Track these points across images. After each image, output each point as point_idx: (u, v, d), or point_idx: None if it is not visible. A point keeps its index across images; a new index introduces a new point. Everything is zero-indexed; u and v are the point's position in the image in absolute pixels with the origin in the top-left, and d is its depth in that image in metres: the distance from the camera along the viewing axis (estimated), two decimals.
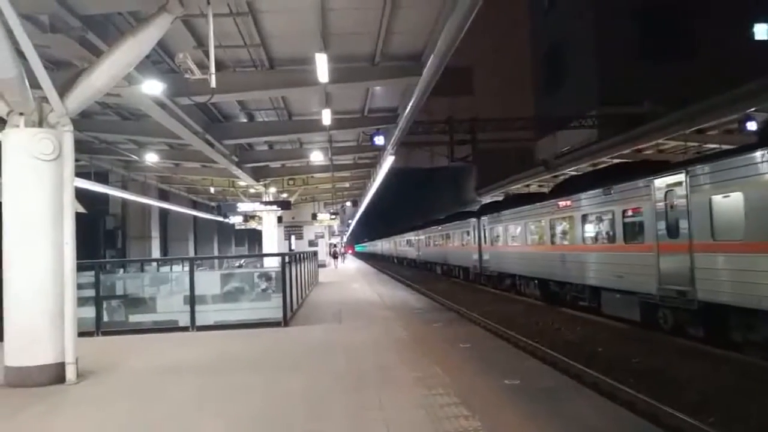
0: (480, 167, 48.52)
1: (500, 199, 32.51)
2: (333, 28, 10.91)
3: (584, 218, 14.77)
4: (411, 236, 47.62)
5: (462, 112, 38.49)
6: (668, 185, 11.12)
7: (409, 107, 15.14)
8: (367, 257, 79.36)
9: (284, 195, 29.98)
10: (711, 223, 9.72)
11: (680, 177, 10.73)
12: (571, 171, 27.79)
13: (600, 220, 14.38)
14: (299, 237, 37.66)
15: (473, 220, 26.06)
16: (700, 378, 8.58)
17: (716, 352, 9.93)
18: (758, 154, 8.86)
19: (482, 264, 24.36)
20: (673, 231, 10.89)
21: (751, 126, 16.83)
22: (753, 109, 16.15)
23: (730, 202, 9.44)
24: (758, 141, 9.60)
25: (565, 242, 16.08)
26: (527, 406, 5.81)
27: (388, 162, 21.68)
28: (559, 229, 16.65)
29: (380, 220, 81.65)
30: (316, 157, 23.06)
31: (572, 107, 38.32)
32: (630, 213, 12.66)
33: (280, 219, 30.80)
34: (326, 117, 15.45)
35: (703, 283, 9.88)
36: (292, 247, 35.22)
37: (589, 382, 8.49)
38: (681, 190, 10.67)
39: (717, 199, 9.71)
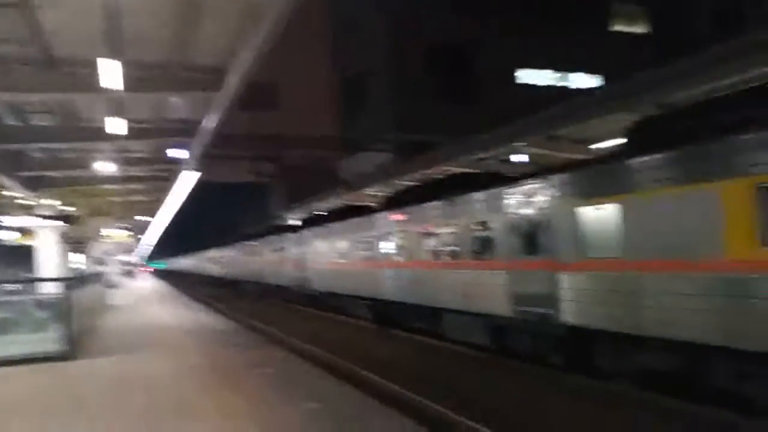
0: (285, 183, 48.60)
1: (323, 212, 31.63)
2: (125, 33, 10.07)
3: (423, 232, 13.49)
4: (218, 253, 43.81)
5: (268, 128, 38.36)
6: (524, 195, 10.06)
7: (211, 120, 14.64)
8: (167, 276, 73.91)
9: (67, 208, 26.74)
10: (579, 238, 8.76)
11: (540, 185, 9.73)
12: (370, 191, 29.06)
13: (441, 234, 13.07)
14: (85, 255, 33.87)
15: (293, 234, 24.25)
16: (494, 386, 9.31)
17: (515, 365, 10.63)
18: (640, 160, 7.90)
19: (304, 283, 22.44)
20: (530, 247, 9.80)
21: (517, 157, 18.88)
22: (520, 144, 18.36)
23: (604, 215, 8.43)
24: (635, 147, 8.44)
25: (401, 259, 14.67)
26: (328, 430, 5.86)
27: (188, 176, 20.65)
28: (393, 244, 15.17)
29: (182, 236, 76.99)
30: (107, 168, 21.01)
31: (372, 131, 40.49)
32: (477, 227, 11.51)
33: (62, 235, 27.35)
34: (118, 126, 14.20)
35: (569, 305, 8.92)
36: (77, 267, 31.53)
37: (390, 397, 8.74)
38: (541, 201, 9.64)
39: (587, 211, 8.72)
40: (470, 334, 11.74)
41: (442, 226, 12.92)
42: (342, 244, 19.06)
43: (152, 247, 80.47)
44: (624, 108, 14.43)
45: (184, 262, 71.29)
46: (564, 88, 47.83)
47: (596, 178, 8.93)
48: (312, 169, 50.19)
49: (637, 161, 8.00)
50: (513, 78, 46.95)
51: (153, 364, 9.92)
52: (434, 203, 13.04)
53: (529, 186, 10.04)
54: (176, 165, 21.39)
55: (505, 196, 10.59)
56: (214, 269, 44.82)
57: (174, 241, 77.03)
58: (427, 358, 12.18)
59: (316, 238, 21.56)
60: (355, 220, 18.02)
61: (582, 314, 8.75)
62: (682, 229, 7.27)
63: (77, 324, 11.83)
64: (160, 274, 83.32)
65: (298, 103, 58.08)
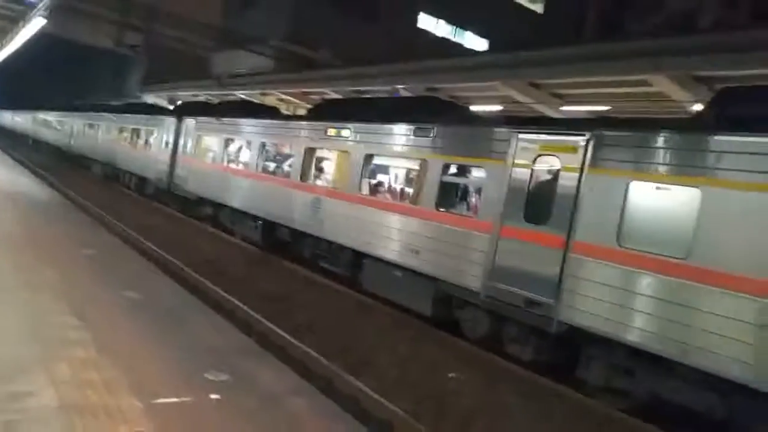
0: (149, 62, 44.62)
1: (210, 100, 26.20)
2: None
3: (369, 158, 10.90)
4: (62, 118, 37.57)
5: None
6: (545, 148, 7.76)
7: None
8: None
9: None
10: (621, 221, 6.72)
11: (576, 140, 7.35)
12: (241, 93, 27.89)
13: (395, 167, 11.23)
14: None
15: (170, 119, 20.04)
16: (312, 305, 9.78)
17: (336, 287, 11.25)
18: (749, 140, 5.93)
19: (173, 179, 18.82)
20: (536, 213, 7.63)
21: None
22: (400, 86, 18.59)
23: (670, 200, 6.54)
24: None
25: (326, 184, 12.32)
26: (144, 321, 5.81)
27: (35, 23, 18.20)
28: (318, 163, 12.73)
29: (17, 89, 67.87)
30: None
31: (258, 31, 38.29)
32: (456, 170, 9.34)
33: None
34: None
35: (576, 300, 6.97)
36: None
37: (213, 300, 8.90)
38: (571, 160, 7.35)
39: (643, 188, 6.71)
40: (404, 295, 9.62)
41: (397, 157, 10.79)
42: (241, 147, 15.77)
43: None
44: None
45: (12, 119, 63.07)
46: (457, 44, 49.03)
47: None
48: (181, 53, 46.46)
49: None
50: (412, 17, 46.86)
51: None
52: (395, 125, 10.42)
53: (561, 136, 7.69)
54: (25, 8, 18.69)
55: (514, 140, 8.07)
56: (54, 136, 39.51)
57: (6, 91, 67.88)
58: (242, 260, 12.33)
59: (202, 130, 17.63)
60: (270, 122, 14.69)
61: (604, 317, 6.70)
62: None
63: None
64: None
65: None
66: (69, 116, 35.14)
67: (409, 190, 10.42)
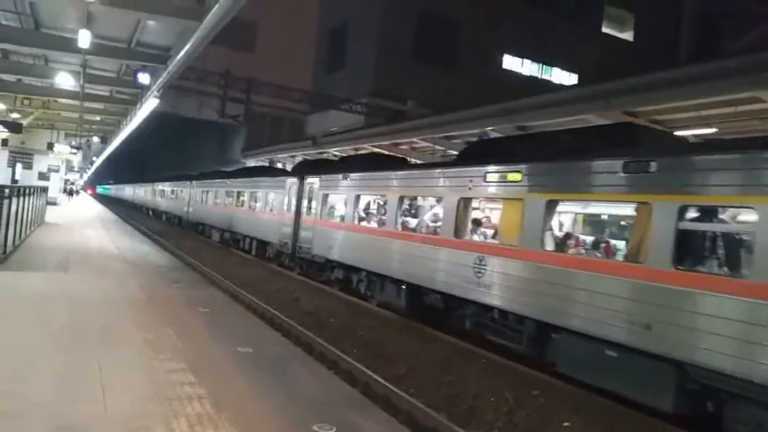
0: (250, 129, 47.74)
1: (331, 157, 25.68)
2: None
3: (551, 205, 8.61)
4: (178, 187, 37.66)
5: (240, 69, 37.58)
6: None
7: (183, 51, 14.22)
8: (112, 202, 71.94)
9: (15, 115, 25.65)
10: None
11: None
12: (334, 150, 29.00)
13: (592, 214, 9.18)
14: (27, 167, 32.59)
15: (291, 180, 18.73)
16: (411, 353, 9.73)
17: (431, 332, 11.26)
18: None
19: (298, 242, 17.34)
20: None
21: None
22: (489, 128, 18.67)
23: None
24: None
25: (492, 239, 10.12)
26: (255, 375, 5.99)
27: (150, 103, 20.06)
28: (477, 215, 10.77)
29: (133, 164, 74.74)
30: (64, 81, 20.20)
31: (346, 90, 40.04)
32: (701, 214, 6.86)
33: (5, 142, 26.35)
34: (84, 38, 13.65)
35: None
36: (17, 178, 30.42)
37: (317, 351, 9.06)
38: None
39: None
40: (625, 382, 7.18)
41: (596, 201, 8.68)
42: (378, 204, 14.16)
43: (101, 170, 78.09)
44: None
45: (130, 191, 68.97)
46: (545, 81, 48.57)
47: None
48: (278, 119, 49.28)
49: None
50: (496, 59, 47.21)
51: (86, 286, 9.82)
52: (586, 162, 8.12)
53: None
54: (140, 90, 20.75)
55: None
56: (170, 205, 41.31)
57: (125, 167, 74.80)
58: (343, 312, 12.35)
59: (328, 188, 15.93)
60: (414, 173, 12.94)
61: None
62: None
63: (8, 236, 11.55)
64: (105, 198, 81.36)
65: (275, 48, 56.68)
66: (184, 185, 35.52)
67: (617, 243, 8.40)
